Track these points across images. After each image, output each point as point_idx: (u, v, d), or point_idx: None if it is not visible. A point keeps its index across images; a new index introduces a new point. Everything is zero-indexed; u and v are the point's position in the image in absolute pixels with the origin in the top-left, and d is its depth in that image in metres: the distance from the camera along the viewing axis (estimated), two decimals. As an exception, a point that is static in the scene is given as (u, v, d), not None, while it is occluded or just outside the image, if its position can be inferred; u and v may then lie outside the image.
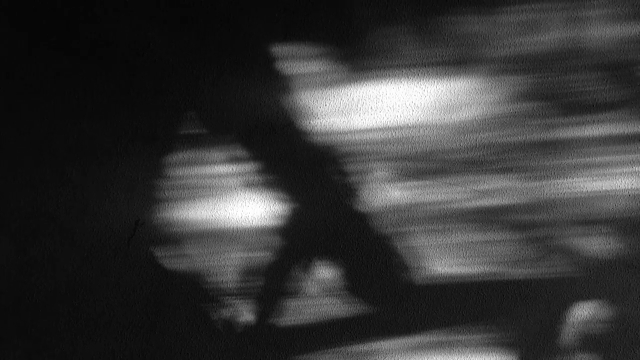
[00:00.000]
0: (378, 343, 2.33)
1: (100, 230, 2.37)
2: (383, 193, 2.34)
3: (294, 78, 2.36)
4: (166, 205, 2.37)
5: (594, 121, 2.31)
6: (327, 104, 2.36)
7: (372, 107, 2.35)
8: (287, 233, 2.35)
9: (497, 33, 2.33)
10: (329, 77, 2.36)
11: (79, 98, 2.40)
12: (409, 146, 2.34)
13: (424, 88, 2.34)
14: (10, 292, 2.37)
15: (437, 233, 2.33)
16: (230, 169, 2.37)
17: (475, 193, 2.32)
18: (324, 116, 2.35)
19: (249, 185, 2.37)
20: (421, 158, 2.34)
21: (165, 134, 2.38)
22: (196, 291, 2.36)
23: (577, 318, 2.30)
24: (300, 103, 2.36)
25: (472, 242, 2.32)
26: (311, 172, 2.35)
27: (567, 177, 2.30)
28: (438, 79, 2.34)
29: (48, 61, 2.41)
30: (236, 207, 2.36)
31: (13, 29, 2.42)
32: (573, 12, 2.32)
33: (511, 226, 2.32)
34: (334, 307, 2.35)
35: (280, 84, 2.36)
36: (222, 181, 2.37)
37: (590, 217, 2.30)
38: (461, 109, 2.33)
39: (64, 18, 2.41)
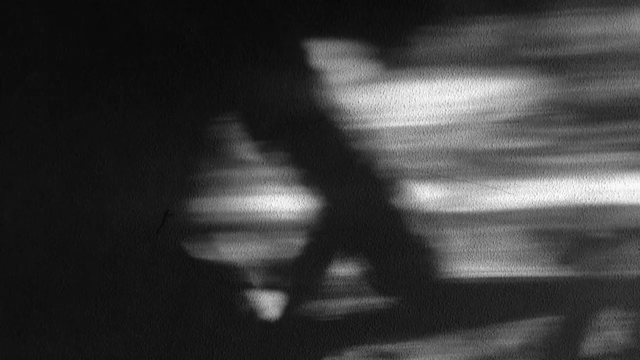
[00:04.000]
0: (402, 341, 2.34)
1: (130, 220, 2.37)
2: (413, 191, 2.34)
3: (328, 74, 2.36)
4: (196, 196, 2.38)
5: (630, 129, 2.30)
6: (360, 101, 2.35)
7: (405, 106, 2.34)
8: (315, 228, 2.36)
9: (535, 35, 2.32)
10: (362, 74, 2.35)
11: (112, 88, 2.40)
12: (441, 145, 2.34)
13: (458, 87, 2.33)
14: (39, 278, 2.39)
15: (465, 233, 2.33)
16: (261, 163, 2.37)
17: (506, 194, 2.32)
18: (356, 113, 2.35)
19: (279, 179, 2.37)
20: (452, 157, 2.33)
21: (197, 126, 2.38)
22: (222, 283, 2.37)
23: (602, 323, 2.30)
24: (333, 99, 2.36)
25: (500, 243, 2.32)
26: (342, 169, 2.35)
27: (599, 183, 2.30)
28: (473, 79, 2.33)
29: (82, 52, 2.41)
30: (265, 200, 2.37)
31: (47, 20, 2.42)
32: (611, 16, 2.31)
33: (540, 228, 2.32)
34: (359, 304, 2.35)
35: (314, 80, 2.36)
36: (252, 174, 2.37)
37: (620, 223, 2.29)
38: (495, 110, 2.33)
39: (98, 8, 2.41)
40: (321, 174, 2.36)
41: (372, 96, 2.35)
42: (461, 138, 2.33)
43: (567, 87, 2.31)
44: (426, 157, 2.34)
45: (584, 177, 2.30)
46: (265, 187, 2.37)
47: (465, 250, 2.33)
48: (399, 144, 2.34)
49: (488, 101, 2.33)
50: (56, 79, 2.41)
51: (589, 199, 2.30)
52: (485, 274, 2.32)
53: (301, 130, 2.36)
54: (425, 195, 2.34)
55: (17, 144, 2.41)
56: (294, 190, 2.37)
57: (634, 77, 2.30)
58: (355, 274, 2.35)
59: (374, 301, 2.34)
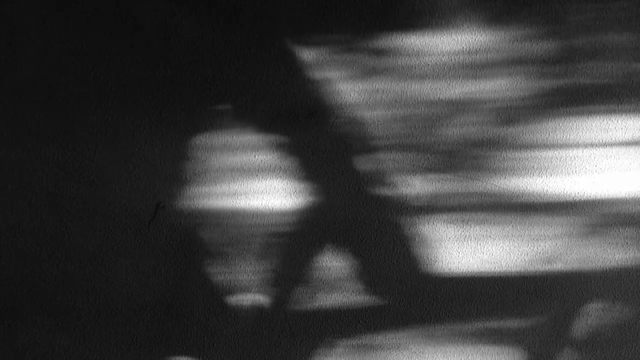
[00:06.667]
0: (392, 334, 2.34)
1: (121, 212, 2.37)
2: (404, 184, 2.35)
3: (320, 68, 2.37)
4: (188, 189, 2.38)
5: (620, 126, 2.32)
6: (352, 95, 2.36)
7: (397, 100, 2.35)
8: (306, 220, 2.36)
9: (525, 33, 2.33)
10: (354, 69, 2.36)
11: (104, 80, 2.40)
12: (432, 139, 2.35)
13: (449, 83, 2.34)
14: (30, 270, 2.38)
15: (456, 227, 2.34)
16: (253, 155, 2.37)
17: (496, 189, 2.33)
18: (348, 106, 2.36)
19: (271, 172, 2.37)
20: (443, 151, 2.34)
21: (189, 119, 2.38)
22: (214, 275, 2.37)
23: (591, 316, 2.31)
24: (326, 93, 2.36)
25: (490, 236, 2.33)
26: (333, 161, 2.36)
27: (588, 177, 2.31)
28: (465, 74, 2.34)
29: (74, 42, 2.41)
30: (257, 193, 2.37)
31: (40, 14, 2.42)
32: (600, 12, 2.33)
33: (529, 222, 2.33)
34: (350, 296, 2.36)
35: (306, 74, 2.36)
36: (244, 167, 2.37)
37: (609, 217, 2.31)
38: (486, 105, 2.34)
39: (92, 1, 2.41)
40: (312, 168, 2.36)
41: (364, 91, 2.36)
42: (453, 133, 2.34)
43: (558, 82, 2.33)
44: (417, 152, 2.35)
45: (573, 170, 2.32)
46: (256, 181, 2.37)
47: (455, 243, 2.34)
48: (390, 139, 2.35)
49: (479, 97, 2.34)
50: (48, 71, 2.41)
51: (577, 192, 2.32)
52: (475, 268, 2.33)
53: (293, 122, 2.36)
54: (416, 189, 2.35)
55: (8, 136, 2.40)
56: (285, 184, 2.37)
57: (623, 70, 2.32)
58: (346, 266, 2.36)
59: (365, 294, 2.35)
